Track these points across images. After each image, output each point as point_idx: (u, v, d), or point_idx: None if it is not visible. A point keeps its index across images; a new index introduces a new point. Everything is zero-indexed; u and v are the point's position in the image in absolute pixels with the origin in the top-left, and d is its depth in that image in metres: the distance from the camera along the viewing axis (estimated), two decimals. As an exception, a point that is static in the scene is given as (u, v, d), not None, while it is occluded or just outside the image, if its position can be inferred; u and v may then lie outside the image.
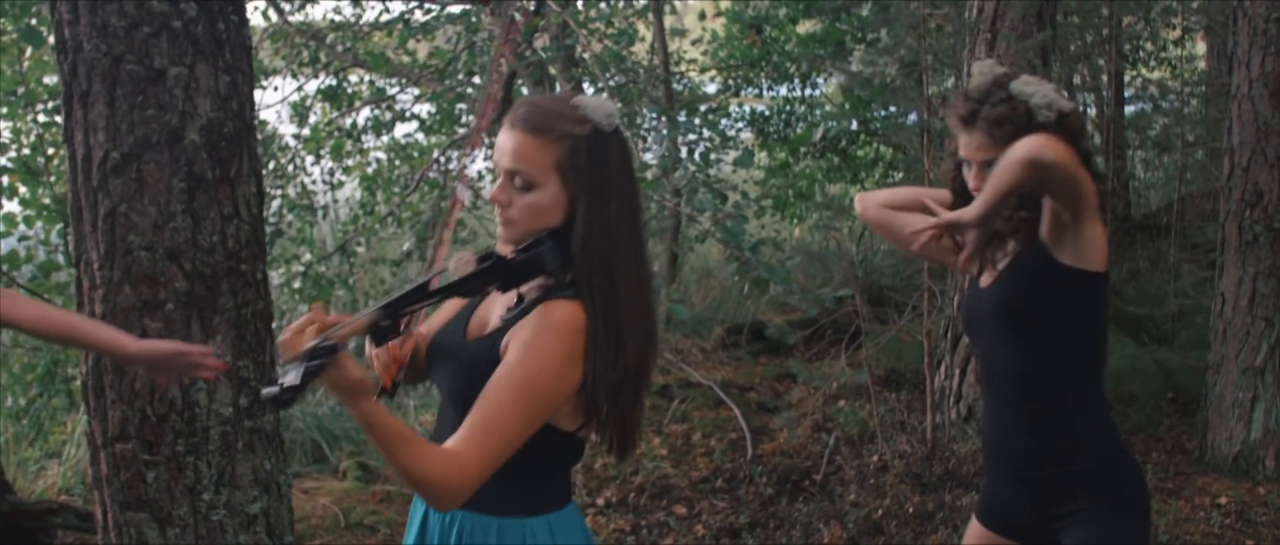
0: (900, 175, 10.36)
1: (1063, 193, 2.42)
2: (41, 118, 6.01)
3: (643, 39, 8.73)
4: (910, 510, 4.85)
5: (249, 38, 3.08)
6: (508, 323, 2.07)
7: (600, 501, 5.10)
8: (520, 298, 2.10)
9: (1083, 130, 2.64)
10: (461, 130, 9.89)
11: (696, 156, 7.92)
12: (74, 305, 2.96)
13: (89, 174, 2.91)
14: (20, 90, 5.76)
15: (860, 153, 10.64)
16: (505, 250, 2.09)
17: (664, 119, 7.88)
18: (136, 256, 2.89)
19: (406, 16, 8.05)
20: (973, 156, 2.57)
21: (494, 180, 2.11)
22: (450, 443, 1.94)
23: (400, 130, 10.39)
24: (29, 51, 5.93)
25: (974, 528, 2.84)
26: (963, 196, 2.64)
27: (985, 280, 2.71)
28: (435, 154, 10.28)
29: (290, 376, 1.75)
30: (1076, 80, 8.70)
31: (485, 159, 8.73)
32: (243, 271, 3.01)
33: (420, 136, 10.35)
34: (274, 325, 3.19)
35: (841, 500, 5.00)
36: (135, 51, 2.83)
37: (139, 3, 2.81)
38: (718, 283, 8.67)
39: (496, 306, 2.18)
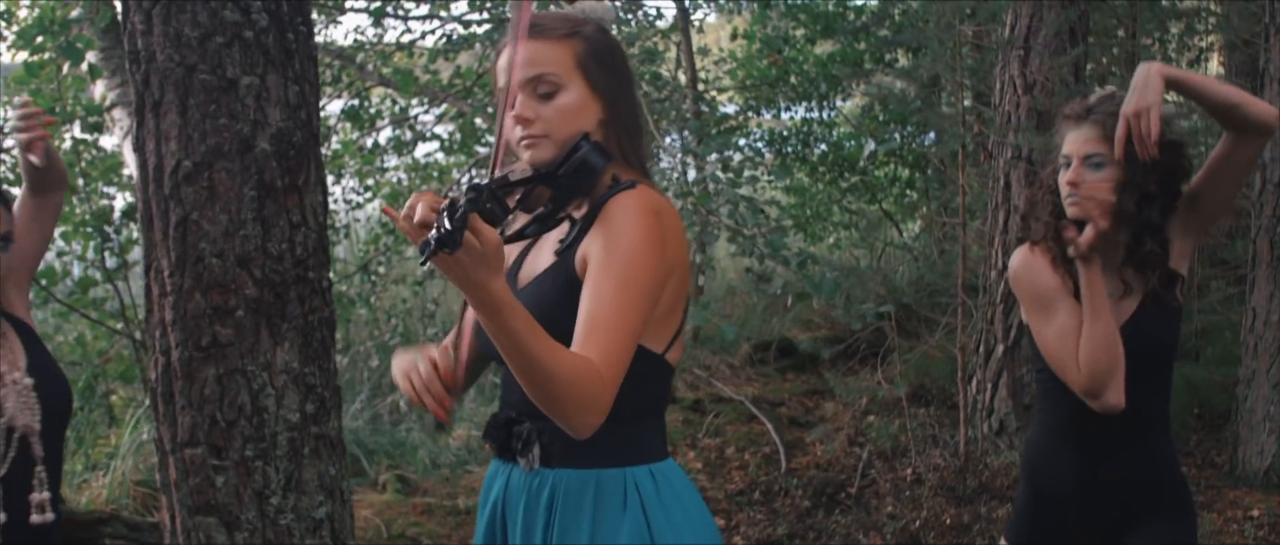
0: (916, 195, 10.45)
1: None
2: (78, 133, 6.07)
3: (666, 58, 8.79)
4: (947, 522, 4.88)
5: (315, 48, 3.13)
6: (569, 245, 1.94)
7: (638, 514, 5.13)
8: (572, 223, 1.96)
9: (1186, 151, 2.67)
10: (482, 149, 9.95)
11: (729, 171, 7.97)
12: (117, 320, 3.00)
13: (160, 182, 2.95)
14: (57, 108, 5.81)
15: (878, 172, 10.70)
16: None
17: (689, 135, 7.94)
18: (207, 263, 2.93)
19: (448, 35, 8.07)
20: (1078, 151, 2.57)
21: (507, 108, 1.91)
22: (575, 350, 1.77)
23: (420, 150, 10.46)
24: (66, 68, 5.98)
25: None
26: (1055, 210, 2.67)
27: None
28: (455, 174, 10.36)
29: (446, 220, 1.56)
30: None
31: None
32: (310, 278, 3.05)
33: (440, 156, 10.42)
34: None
35: (878, 512, 5.03)
36: (208, 61, 2.88)
37: (212, 13, 2.86)
38: (741, 301, 8.72)
39: (544, 251, 2.03)
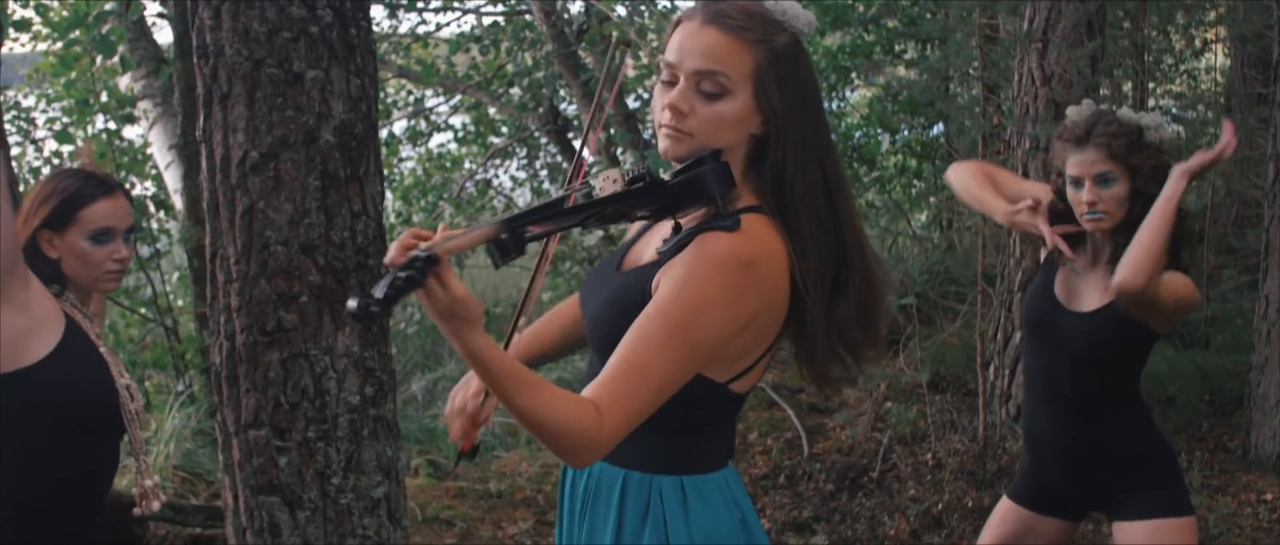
0: (923, 184, 10.55)
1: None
2: (112, 125, 6.18)
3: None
4: (969, 504, 4.99)
5: (374, 42, 3.24)
6: (663, 255, 1.85)
7: (666, 497, 5.24)
8: (677, 227, 1.88)
9: (1177, 150, 2.91)
10: (495, 140, 10.05)
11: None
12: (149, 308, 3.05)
13: (227, 173, 3.05)
14: (92, 100, 5.92)
15: (888, 163, 10.81)
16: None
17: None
18: (273, 251, 3.04)
19: (473, 29, 8.16)
20: (1087, 171, 2.84)
21: (663, 85, 1.86)
22: (589, 389, 1.71)
23: (434, 140, 10.55)
24: (99, 61, 6.09)
25: (1007, 507, 3.23)
26: (1065, 216, 2.95)
27: (1073, 300, 3.00)
28: (468, 165, 10.46)
29: (379, 288, 1.51)
30: (1103, 91, 8.88)
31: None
32: (369, 266, 3.16)
33: (453, 146, 10.53)
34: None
35: (901, 495, 5.14)
36: (275, 55, 2.98)
37: (280, 9, 2.96)
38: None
39: (654, 238, 1.97)
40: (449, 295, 1.57)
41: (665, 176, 1.82)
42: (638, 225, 2.10)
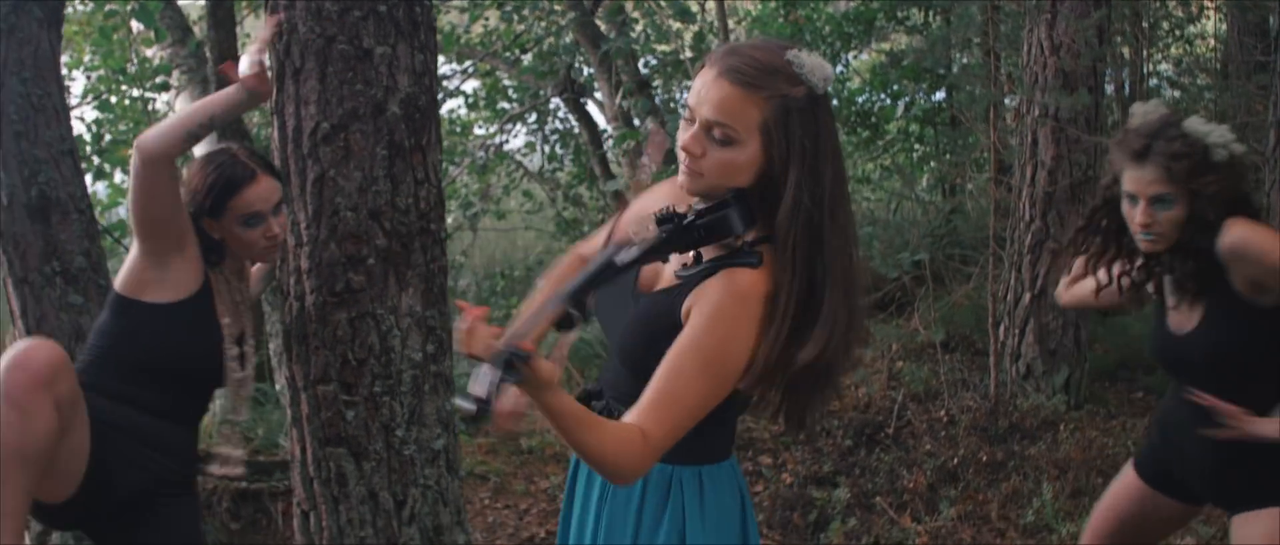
0: (925, 148, 10.74)
1: None
2: (147, 94, 6.34)
3: (697, 16, 9.04)
4: (983, 459, 5.20)
5: (435, 20, 3.41)
6: (686, 281, 2.01)
7: (690, 452, 5.46)
8: (698, 256, 2.03)
9: (1247, 170, 2.81)
10: (505, 105, 10.18)
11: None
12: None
13: (299, 142, 3.24)
14: (130, 68, 6.08)
15: (890, 127, 10.98)
16: (684, 205, 2.01)
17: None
18: (342, 216, 3.23)
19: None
20: (1143, 191, 2.68)
21: (686, 121, 1.99)
22: (632, 415, 1.91)
23: (445, 105, 10.67)
24: (135, 30, 6.26)
25: (1131, 479, 3.15)
26: (1114, 234, 2.86)
27: (1179, 323, 2.84)
28: (478, 131, 10.60)
29: (481, 385, 1.70)
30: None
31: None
32: (431, 230, 3.35)
33: (462, 112, 10.66)
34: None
35: (917, 450, 5.36)
36: (346, 32, 3.16)
37: (355, -11, 3.14)
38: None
39: (672, 262, 2.10)
40: (541, 378, 1.77)
41: (691, 211, 1.99)
42: None
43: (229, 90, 3.06)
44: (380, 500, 3.36)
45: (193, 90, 7.27)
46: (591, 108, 9.44)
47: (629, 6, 8.22)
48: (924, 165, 10.81)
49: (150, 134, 2.92)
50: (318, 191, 3.23)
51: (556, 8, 7.86)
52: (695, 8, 8.52)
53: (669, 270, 2.11)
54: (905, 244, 6.84)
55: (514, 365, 1.71)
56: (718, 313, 1.93)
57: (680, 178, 2.01)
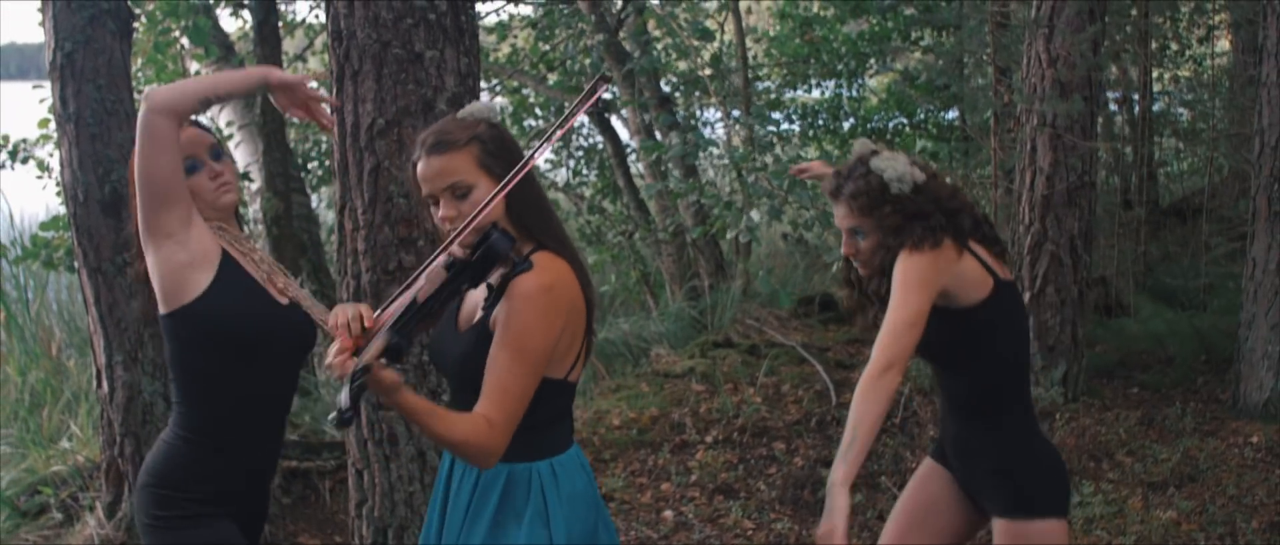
0: (939, 165, 11.09)
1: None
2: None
3: (716, 36, 9.42)
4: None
5: (478, 26, 3.81)
6: (487, 310, 2.42)
7: (708, 439, 5.82)
8: (490, 288, 2.42)
9: (948, 191, 2.92)
10: (532, 123, 10.58)
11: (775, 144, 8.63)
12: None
13: (357, 137, 3.62)
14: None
15: (903, 144, 11.33)
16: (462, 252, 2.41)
17: (736, 111, 8.62)
18: (395, 203, 3.61)
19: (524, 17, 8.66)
20: (840, 224, 2.93)
21: (433, 205, 2.45)
22: (477, 408, 2.32)
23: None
24: (183, 46, 6.68)
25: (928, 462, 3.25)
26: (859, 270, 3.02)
27: None
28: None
29: (343, 398, 2.10)
30: (1111, 76, 9.40)
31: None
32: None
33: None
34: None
35: (920, 437, 5.71)
36: (400, 38, 3.55)
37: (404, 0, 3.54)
38: (782, 261, 9.39)
39: (478, 297, 2.50)
40: (384, 383, 2.20)
41: (464, 256, 2.38)
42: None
43: (248, 71, 3.11)
44: (427, 459, 3.73)
45: (237, 104, 7.70)
46: (615, 122, 9.82)
47: (650, 26, 8.62)
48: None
49: (162, 89, 2.68)
50: (373, 180, 3.62)
51: (583, 27, 8.25)
52: (714, 26, 8.89)
53: (477, 307, 2.50)
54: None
55: (359, 380, 2.12)
56: (510, 316, 2.35)
57: (456, 249, 2.42)
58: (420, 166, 2.43)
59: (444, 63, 3.61)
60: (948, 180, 3.07)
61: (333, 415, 2.12)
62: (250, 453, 2.83)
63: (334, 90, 3.66)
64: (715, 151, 8.73)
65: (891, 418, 5.98)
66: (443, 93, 3.61)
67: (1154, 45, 10.08)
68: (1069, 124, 6.04)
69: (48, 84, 4.78)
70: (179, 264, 2.68)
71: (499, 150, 2.44)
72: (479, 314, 2.45)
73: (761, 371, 6.70)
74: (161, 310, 2.75)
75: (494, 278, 2.40)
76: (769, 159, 8.76)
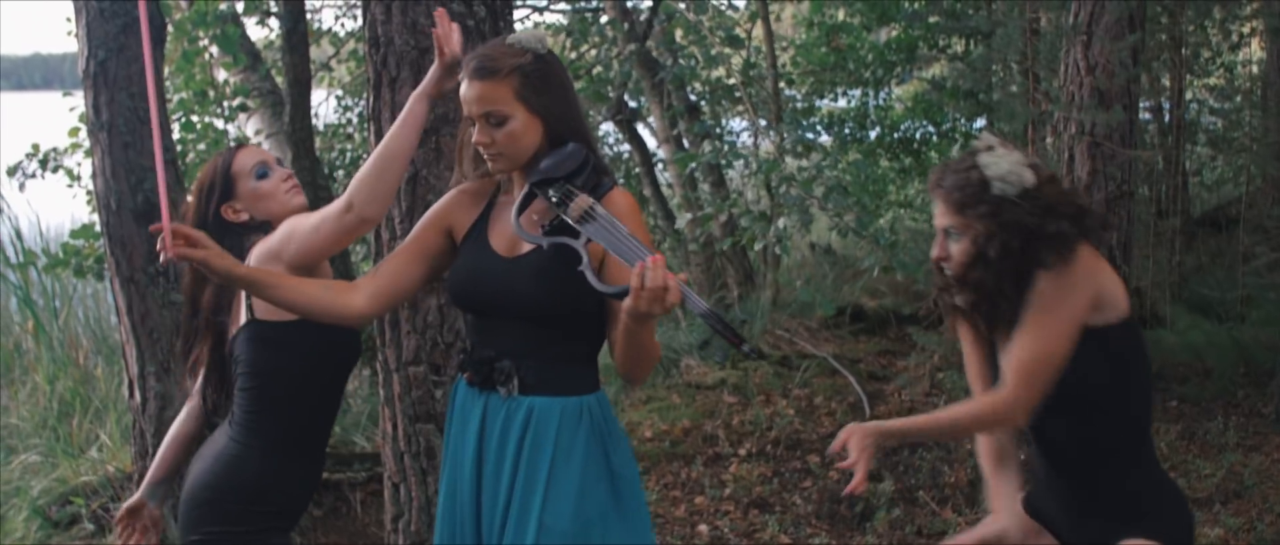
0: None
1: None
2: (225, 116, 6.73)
3: (746, 42, 9.36)
4: (1022, 458, 5.45)
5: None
6: (555, 227, 2.36)
7: (742, 451, 5.75)
8: (559, 200, 2.37)
9: (1065, 195, 2.58)
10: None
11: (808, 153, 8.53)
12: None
13: (394, 145, 3.56)
14: (211, 92, 6.46)
15: (932, 154, 11.26)
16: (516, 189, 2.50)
17: (763, 120, 8.55)
18: (433, 212, 3.55)
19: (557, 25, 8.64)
20: (936, 222, 2.61)
21: (471, 125, 2.47)
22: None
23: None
24: (212, 55, 6.65)
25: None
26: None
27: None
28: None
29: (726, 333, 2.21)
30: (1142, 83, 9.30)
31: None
32: (512, 226, 3.66)
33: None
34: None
35: (958, 450, 5.62)
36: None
37: (443, 5, 3.47)
38: (810, 270, 9.31)
39: (505, 223, 2.53)
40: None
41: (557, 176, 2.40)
42: (476, 218, 2.68)
43: (406, 115, 2.64)
44: (464, 472, 3.67)
45: (264, 113, 7.68)
46: (642, 131, 9.77)
47: (679, 35, 8.56)
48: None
49: (365, 193, 2.59)
50: (411, 189, 3.56)
51: (611, 34, 8.20)
52: (741, 34, 8.83)
53: (527, 224, 2.44)
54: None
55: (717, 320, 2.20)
56: (632, 219, 2.39)
57: (490, 166, 2.51)
58: (463, 86, 2.46)
59: (483, 70, 3.54)
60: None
61: (748, 347, 2.22)
62: (316, 464, 2.89)
63: (369, 98, 3.61)
64: (741, 163, 8.67)
65: (927, 430, 5.88)
66: (481, 100, 3.55)
67: (1186, 51, 9.99)
68: (1108, 132, 5.96)
69: (78, 93, 4.76)
70: None
71: (542, 84, 2.44)
72: (538, 231, 2.39)
73: (794, 383, 6.63)
74: (265, 316, 2.72)
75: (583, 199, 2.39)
76: (804, 163, 8.70)
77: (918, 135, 11.35)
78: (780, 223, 6.50)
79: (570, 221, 2.34)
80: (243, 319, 2.79)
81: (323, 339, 2.74)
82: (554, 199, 2.37)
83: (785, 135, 8.20)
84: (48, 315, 7.88)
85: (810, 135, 9.17)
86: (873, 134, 11.34)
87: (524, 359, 2.50)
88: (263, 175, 2.87)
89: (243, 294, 2.77)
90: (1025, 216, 2.47)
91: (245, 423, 2.77)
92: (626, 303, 2.22)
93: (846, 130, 11.41)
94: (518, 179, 2.55)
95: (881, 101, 11.76)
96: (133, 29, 4.54)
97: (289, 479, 2.79)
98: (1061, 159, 6.15)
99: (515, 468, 2.50)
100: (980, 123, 10.75)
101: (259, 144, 7.60)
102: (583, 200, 2.35)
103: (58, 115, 7.42)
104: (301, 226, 2.64)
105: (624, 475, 2.56)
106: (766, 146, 8.50)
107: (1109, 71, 5.92)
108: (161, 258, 2.32)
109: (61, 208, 9.14)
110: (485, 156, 2.49)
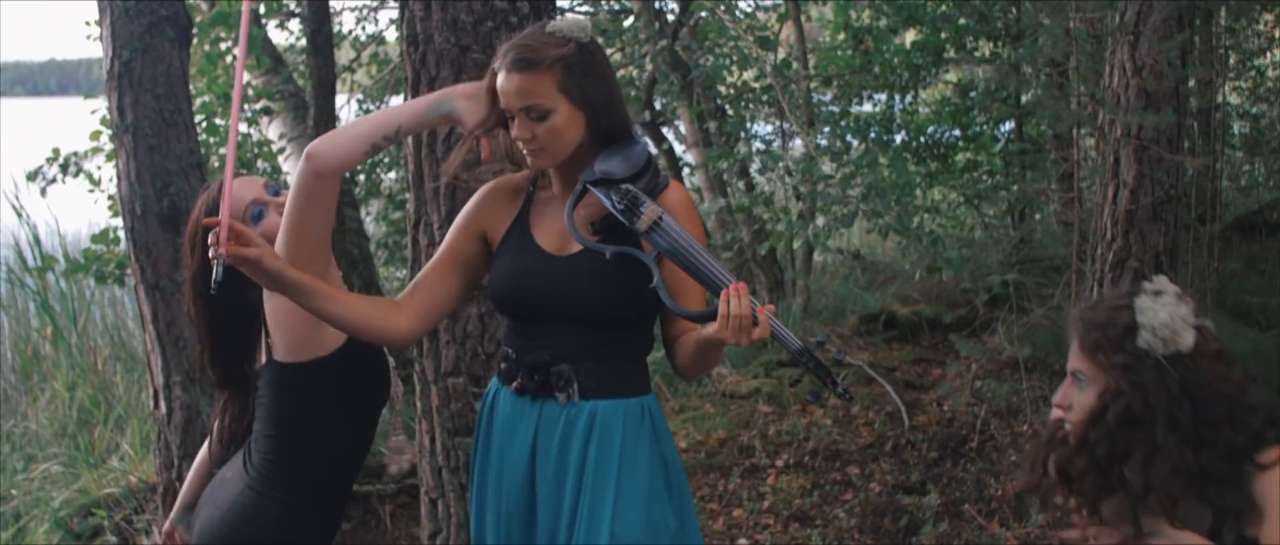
0: (993, 179, 10.84)
1: None
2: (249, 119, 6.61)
3: (777, 43, 9.22)
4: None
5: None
6: (607, 225, 2.32)
7: (780, 463, 5.59)
8: (625, 208, 2.28)
9: (1225, 375, 2.16)
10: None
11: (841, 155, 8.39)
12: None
13: (433, 147, 3.43)
14: (230, 94, 6.34)
15: (958, 158, 11.09)
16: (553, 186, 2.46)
17: (792, 123, 8.39)
18: (474, 217, 3.40)
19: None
20: (1069, 364, 2.26)
21: (511, 120, 2.36)
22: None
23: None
24: (235, 55, 6.52)
25: None
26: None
27: None
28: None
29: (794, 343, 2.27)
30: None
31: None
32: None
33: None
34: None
35: (1001, 462, 5.46)
36: (480, 43, 3.35)
37: (485, 1, 3.34)
38: (838, 276, 9.14)
39: (553, 219, 2.45)
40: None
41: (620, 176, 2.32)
42: (514, 216, 2.59)
43: (421, 100, 2.54)
44: (505, 488, 3.52)
45: (287, 116, 7.55)
46: (669, 135, 9.63)
47: (711, 37, 8.42)
48: (993, 195, 10.91)
49: (326, 142, 2.37)
50: (450, 194, 3.42)
51: (643, 35, 8.06)
52: (772, 36, 8.69)
53: (577, 222, 2.35)
54: (986, 267, 6.96)
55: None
56: (687, 217, 2.34)
57: (530, 162, 2.40)
58: (500, 79, 2.33)
59: (526, 69, 3.40)
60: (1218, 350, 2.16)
61: (842, 389, 2.37)
62: (339, 511, 2.72)
63: (407, 98, 3.47)
64: (770, 164, 8.53)
65: (967, 442, 5.74)
66: (524, 100, 3.40)
67: (1220, 51, 9.83)
68: (1156, 136, 5.78)
69: (100, 97, 4.64)
70: (308, 327, 2.51)
71: (585, 76, 2.32)
72: (587, 230, 2.34)
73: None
74: (283, 358, 2.54)
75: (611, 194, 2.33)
76: (837, 165, 8.54)
77: (944, 139, 11.18)
78: (820, 220, 6.35)
79: (639, 230, 2.20)
80: (263, 359, 2.61)
81: (346, 381, 2.58)
82: (620, 205, 2.23)
83: (823, 139, 8.06)
84: (66, 321, 7.76)
85: (848, 139, 9.02)
86: (898, 138, 11.19)
87: (581, 362, 2.40)
88: (258, 216, 2.61)
89: (261, 334, 2.60)
90: (1163, 386, 2.07)
91: (263, 470, 2.57)
92: (710, 328, 2.14)
93: (872, 135, 11.26)
94: (556, 173, 2.45)
95: (906, 105, 11.60)
96: (159, 28, 4.41)
97: (309, 530, 2.61)
98: (1107, 162, 5.98)
99: (579, 475, 2.40)
100: (1006, 126, 10.61)
101: (282, 150, 7.48)
102: (652, 210, 2.24)
103: (74, 121, 7.31)
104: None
105: (679, 476, 2.52)
106: (798, 147, 8.36)
107: (1157, 72, 5.74)
108: (211, 254, 2.16)
109: (80, 212, 9.03)
110: (525, 152, 2.38)
